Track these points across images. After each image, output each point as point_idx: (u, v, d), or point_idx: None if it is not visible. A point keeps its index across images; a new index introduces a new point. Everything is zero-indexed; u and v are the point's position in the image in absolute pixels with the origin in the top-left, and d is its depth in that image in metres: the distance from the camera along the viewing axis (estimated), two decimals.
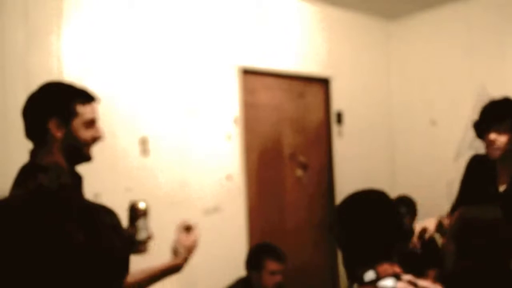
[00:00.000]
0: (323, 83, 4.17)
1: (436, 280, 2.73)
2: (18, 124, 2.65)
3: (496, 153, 2.22)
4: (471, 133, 4.22)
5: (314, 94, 4.14)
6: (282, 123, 3.91)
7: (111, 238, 0.71)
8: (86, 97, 1.68)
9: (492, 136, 2.22)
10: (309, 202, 4.02)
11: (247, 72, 3.64)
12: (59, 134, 1.64)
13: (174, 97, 3.24)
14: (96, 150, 1.82)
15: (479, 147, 4.24)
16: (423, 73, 4.44)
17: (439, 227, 2.32)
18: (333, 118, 4.18)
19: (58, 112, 1.63)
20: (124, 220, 2.02)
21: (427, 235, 2.29)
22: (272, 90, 3.86)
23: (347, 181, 4.09)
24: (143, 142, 3.06)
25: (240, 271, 3.07)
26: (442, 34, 4.29)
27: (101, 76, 2.95)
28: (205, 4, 3.44)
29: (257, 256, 2.99)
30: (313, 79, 4.11)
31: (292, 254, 3.57)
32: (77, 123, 1.65)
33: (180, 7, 3.31)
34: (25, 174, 1.62)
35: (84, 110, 1.66)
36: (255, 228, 3.62)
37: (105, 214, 0.75)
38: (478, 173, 2.30)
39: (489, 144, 2.24)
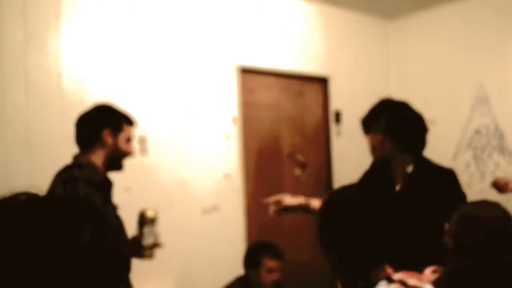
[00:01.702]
0: (322, 82, 4.17)
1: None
2: (16, 123, 2.66)
3: (374, 154, 2.27)
4: (470, 132, 4.25)
5: (312, 93, 4.14)
6: (281, 122, 3.91)
7: (116, 240, 0.71)
8: (130, 120, 2.13)
9: (368, 138, 2.28)
10: None
11: (246, 71, 3.64)
12: (110, 141, 2.04)
13: (172, 96, 3.24)
14: None
15: (478, 147, 4.26)
16: (421, 73, 4.44)
17: None
18: (332, 118, 4.18)
19: (111, 125, 2.06)
20: (126, 221, 2.03)
21: None
22: (270, 89, 3.86)
23: (346, 180, 4.07)
24: (142, 141, 3.06)
25: (238, 270, 3.08)
26: (441, 34, 4.30)
27: (100, 76, 2.94)
28: (204, 4, 3.43)
29: (254, 254, 2.99)
30: (311, 78, 4.11)
31: (291, 253, 3.57)
32: (122, 137, 2.08)
33: (179, 6, 3.31)
34: (64, 169, 1.97)
35: (128, 129, 2.11)
36: (253, 227, 3.63)
37: (111, 216, 0.76)
38: (376, 174, 2.30)
39: (369, 145, 2.29)
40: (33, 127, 2.68)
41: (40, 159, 2.63)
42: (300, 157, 4.01)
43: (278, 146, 3.89)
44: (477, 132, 4.05)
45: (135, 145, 2.21)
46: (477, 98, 4.04)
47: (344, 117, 4.23)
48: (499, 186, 2.96)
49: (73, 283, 0.66)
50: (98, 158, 2.03)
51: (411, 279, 1.33)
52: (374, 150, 2.26)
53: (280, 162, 3.90)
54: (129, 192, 2.86)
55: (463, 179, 4.13)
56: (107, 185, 2.05)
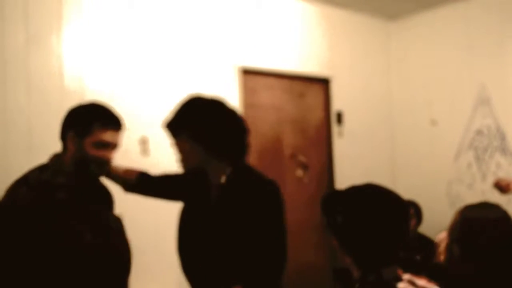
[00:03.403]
0: (323, 83, 4.18)
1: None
2: (18, 124, 2.67)
3: (185, 163, 1.89)
4: (472, 133, 4.24)
5: (314, 94, 4.14)
6: (282, 123, 3.91)
7: (117, 241, 0.71)
8: (108, 123, 1.86)
9: (177, 144, 1.90)
10: (309, 202, 4.02)
11: (248, 72, 3.64)
12: (73, 144, 1.85)
13: (174, 97, 3.23)
14: None
15: (479, 147, 4.26)
16: (423, 73, 4.44)
17: None
18: (333, 118, 4.18)
19: (77, 127, 1.85)
20: (128, 223, 2.03)
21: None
22: (272, 90, 3.86)
23: (347, 181, 4.07)
24: (144, 142, 3.07)
25: None
26: (442, 34, 4.29)
27: (101, 76, 2.95)
28: (206, 4, 3.44)
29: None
30: (313, 79, 4.11)
31: (292, 254, 3.57)
32: (88, 141, 1.83)
33: (180, 7, 3.31)
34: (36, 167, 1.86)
35: (100, 133, 1.84)
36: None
37: (113, 218, 0.76)
38: (194, 185, 1.98)
39: (178, 153, 1.92)
40: (35, 128, 2.68)
41: (41, 160, 2.62)
42: (301, 158, 4.01)
43: (280, 147, 3.89)
44: (479, 132, 4.05)
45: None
46: (479, 98, 4.03)
47: (346, 118, 4.23)
48: (501, 187, 2.96)
49: (74, 284, 0.67)
50: (68, 160, 1.87)
51: (420, 280, 1.33)
52: (185, 158, 1.88)
53: (282, 163, 3.90)
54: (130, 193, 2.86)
55: (465, 179, 4.16)
56: (83, 188, 1.87)
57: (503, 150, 3.92)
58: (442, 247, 1.86)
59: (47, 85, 2.75)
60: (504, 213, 1.72)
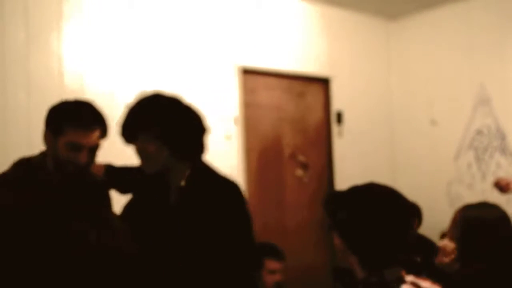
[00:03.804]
0: (323, 83, 4.17)
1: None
2: (18, 123, 2.66)
3: (147, 171, 1.79)
4: (472, 133, 4.24)
5: (314, 94, 4.14)
6: (282, 123, 3.91)
7: (121, 242, 0.71)
8: (80, 124, 1.72)
9: (136, 147, 1.77)
10: (309, 202, 4.02)
11: (247, 72, 3.64)
12: (48, 143, 1.77)
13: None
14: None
15: (479, 147, 4.26)
16: (423, 73, 4.43)
17: None
18: (333, 118, 4.18)
19: (51, 125, 1.76)
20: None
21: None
22: (272, 90, 3.86)
23: (347, 180, 4.06)
24: None
25: None
26: (442, 34, 4.29)
27: (101, 76, 2.95)
28: (205, 4, 3.44)
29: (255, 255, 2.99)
30: (313, 78, 4.10)
31: (293, 254, 3.57)
32: (61, 141, 1.72)
33: (180, 6, 3.31)
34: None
35: (73, 134, 1.71)
36: (255, 228, 3.61)
37: (117, 220, 0.75)
38: (150, 186, 1.88)
39: (139, 155, 1.80)
40: (35, 127, 2.67)
41: None
42: (301, 158, 4.01)
43: (280, 146, 3.89)
44: (479, 132, 4.05)
45: (85, 158, 1.71)
46: (479, 98, 4.03)
47: (346, 118, 4.23)
48: (501, 186, 2.96)
49: (82, 280, 0.66)
50: (50, 158, 1.78)
51: (424, 282, 1.32)
52: (149, 161, 1.75)
53: (282, 162, 3.90)
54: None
55: (465, 179, 4.15)
56: (73, 188, 1.77)
57: (503, 150, 3.92)
58: (449, 247, 1.81)
59: (47, 85, 2.75)
60: (503, 213, 1.73)
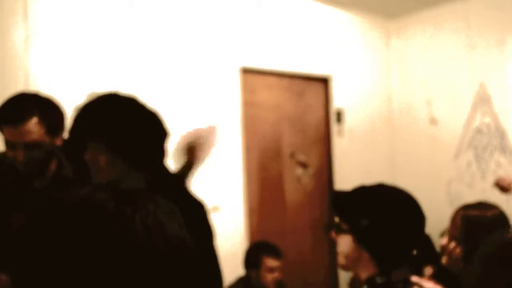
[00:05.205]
0: (323, 82, 4.17)
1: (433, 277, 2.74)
2: None
3: (99, 175, 1.51)
4: (471, 132, 4.24)
5: (314, 93, 4.14)
6: (282, 122, 3.91)
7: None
8: (4, 119, 1.61)
9: (88, 156, 1.49)
10: (309, 201, 4.03)
11: (247, 72, 3.64)
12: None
13: (174, 96, 3.24)
14: None
15: (479, 146, 4.26)
16: (423, 72, 4.43)
17: None
18: (333, 117, 4.18)
19: None
20: None
21: None
22: (272, 89, 3.86)
23: (347, 180, 4.08)
24: None
25: (239, 271, 3.07)
26: (442, 33, 4.29)
27: (102, 76, 2.95)
28: (206, 4, 3.44)
29: (254, 254, 3.01)
30: (313, 78, 4.10)
31: (292, 253, 3.58)
32: (4, 137, 1.64)
33: (180, 6, 3.31)
34: None
35: (6, 132, 1.61)
36: (254, 228, 3.63)
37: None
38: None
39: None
40: None
41: None
42: (301, 157, 4.01)
43: (280, 146, 3.89)
44: (479, 131, 4.05)
45: (21, 155, 1.61)
46: (479, 97, 4.03)
47: (346, 117, 4.23)
48: (502, 186, 2.96)
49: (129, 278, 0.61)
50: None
51: (428, 283, 1.32)
52: (100, 174, 1.49)
53: (282, 162, 3.90)
54: None
55: (465, 178, 4.15)
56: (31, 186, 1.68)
57: (503, 149, 3.92)
58: (451, 246, 1.81)
59: (47, 84, 2.74)
60: (501, 212, 1.73)
